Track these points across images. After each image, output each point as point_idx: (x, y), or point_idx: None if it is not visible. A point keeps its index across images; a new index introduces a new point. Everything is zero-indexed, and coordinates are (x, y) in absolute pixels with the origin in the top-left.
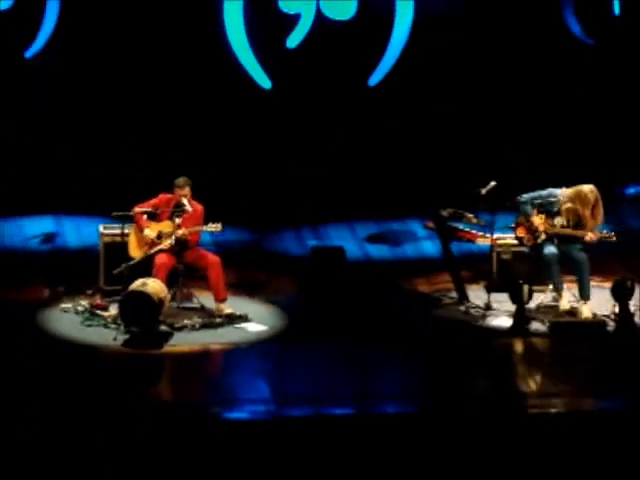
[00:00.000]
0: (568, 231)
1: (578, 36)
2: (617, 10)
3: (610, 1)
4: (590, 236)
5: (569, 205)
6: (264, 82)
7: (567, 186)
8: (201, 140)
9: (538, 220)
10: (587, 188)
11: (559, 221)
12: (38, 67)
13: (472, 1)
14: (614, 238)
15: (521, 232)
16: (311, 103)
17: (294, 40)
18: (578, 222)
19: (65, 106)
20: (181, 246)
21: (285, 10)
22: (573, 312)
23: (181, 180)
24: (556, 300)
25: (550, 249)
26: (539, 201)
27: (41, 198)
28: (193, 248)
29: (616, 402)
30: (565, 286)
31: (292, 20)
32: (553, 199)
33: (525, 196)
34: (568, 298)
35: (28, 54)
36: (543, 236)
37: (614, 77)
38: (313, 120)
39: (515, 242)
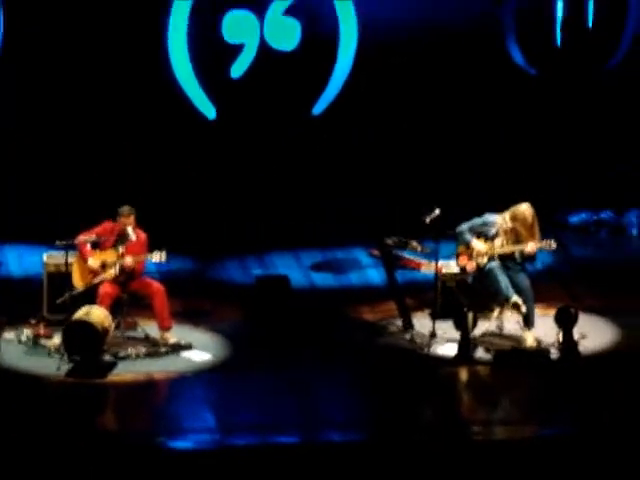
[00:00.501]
0: (509, 248)
1: (521, 65)
2: (558, 41)
3: (552, 32)
4: (531, 247)
5: (508, 226)
6: (208, 111)
7: (500, 210)
8: (145, 168)
9: (478, 244)
10: (523, 207)
11: (498, 242)
12: None
13: (415, 29)
14: (554, 245)
15: (463, 260)
16: (255, 132)
17: (238, 70)
18: (516, 242)
19: (5, 133)
20: (125, 275)
21: (229, 40)
22: (517, 340)
23: (125, 209)
24: (500, 328)
25: (493, 263)
26: (478, 228)
27: None
28: (137, 277)
29: (559, 429)
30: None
31: (236, 50)
32: (490, 224)
33: (463, 225)
34: (511, 327)
35: None
36: (485, 259)
37: (556, 106)
38: (258, 149)
39: (458, 269)
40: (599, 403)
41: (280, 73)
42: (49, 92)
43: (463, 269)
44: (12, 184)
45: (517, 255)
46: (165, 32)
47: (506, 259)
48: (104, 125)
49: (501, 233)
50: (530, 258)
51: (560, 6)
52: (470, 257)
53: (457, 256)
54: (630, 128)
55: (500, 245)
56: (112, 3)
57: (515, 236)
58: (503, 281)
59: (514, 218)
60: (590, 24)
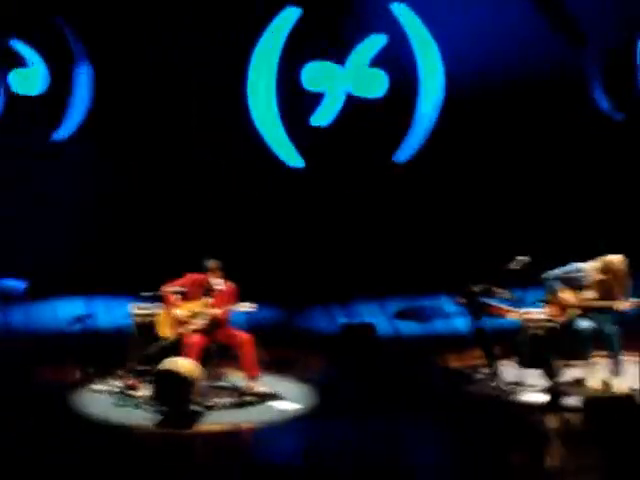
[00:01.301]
0: (599, 303)
1: (606, 111)
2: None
3: (636, 77)
4: (622, 305)
5: (600, 277)
6: (295, 160)
7: (587, 259)
8: (232, 218)
9: (567, 295)
10: (617, 259)
11: (588, 294)
12: (66, 150)
13: (499, 77)
14: None
15: (551, 309)
16: (341, 180)
17: (323, 118)
18: (607, 294)
19: (93, 187)
20: (213, 325)
21: (313, 88)
22: (606, 387)
23: (211, 263)
24: (588, 376)
25: (585, 323)
26: (566, 276)
27: (72, 279)
28: (224, 327)
29: None
30: (597, 361)
31: (318, 98)
32: (580, 274)
33: (551, 273)
34: (600, 375)
35: (57, 137)
36: (573, 311)
37: None
38: (343, 197)
39: (546, 317)
40: None
41: (365, 121)
42: (138, 146)
43: (551, 317)
44: (99, 237)
45: (608, 308)
46: (245, 83)
47: (594, 310)
48: (192, 177)
49: (593, 285)
50: (620, 314)
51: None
52: (559, 307)
53: (545, 304)
54: None
55: (590, 298)
56: (196, 53)
57: (605, 288)
58: (589, 348)
59: (606, 270)
60: None
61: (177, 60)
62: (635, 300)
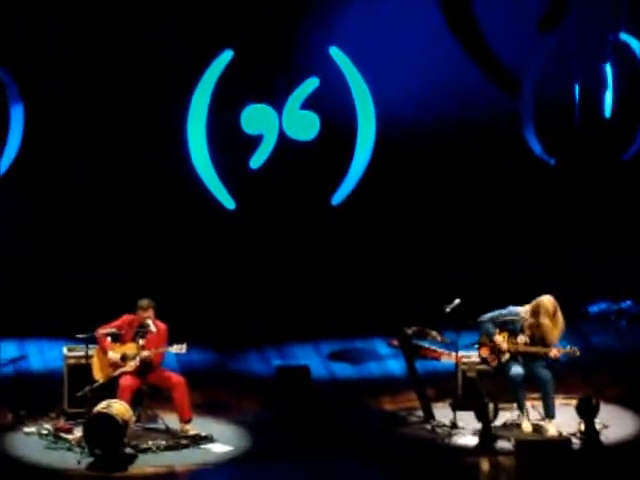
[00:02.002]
0: (532, 349)
1: (539, 156)
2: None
3: (570, 122)
4: (554, 352)
5: (531, 320)
6: (228, 202)
7: (524, 303)
8: (164, 259)
9: (501, 339)
10: (545, 298)
11: (522, 339)
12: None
13: (434, 121)
14: (577, 353)
15: (485, 352)
16: (276, 222)
17: (257, 161)
18: (542, 338)
19: (28, 225)
20: (145, 367)
21: (248, 131)
22: (539, 430)
23: (144, 302)
24: (520, 421)
25: (515, 370)
26: (500, 320)
27: (4, 321)
28: (157, 369)
29: None
30: (529, 405)
31: (255, 141)
32: (515, 317)
33: (486, 316)
34: (531, 419)
35: None
36: (507, 355)
37: (575, 195)
38: (277, 240)
39: (479, 360)
40: None
41: (299, 163)
42: (70, 183)
43: (484, 360)
44: (31, 279)
45: (541, 354)
46: (184, 123)
47: (528, 355)
48: (123, 217)
49: (526, 328)
50: (554, 360)
51: (577, 97)
52: (492, 351)
53: (479, 346)
54: None
55: (523, 343)
56: (132, 96)
57: (540, 332)
58: (521, 396)
59: (536, 311)
60: (607, 115)
61: (114, 102)
62: (567, 348)
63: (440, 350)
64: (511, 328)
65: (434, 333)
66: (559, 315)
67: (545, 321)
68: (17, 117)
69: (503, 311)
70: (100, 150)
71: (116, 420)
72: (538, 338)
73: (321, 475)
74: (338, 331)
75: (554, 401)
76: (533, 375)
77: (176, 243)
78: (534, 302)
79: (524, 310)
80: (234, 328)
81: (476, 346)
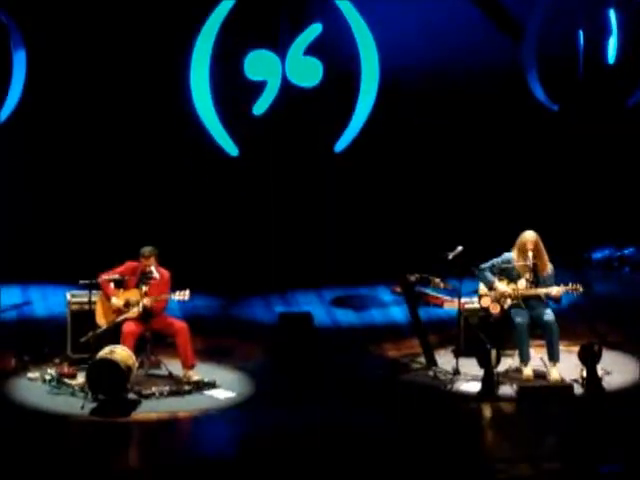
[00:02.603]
0: (534, 291)
1: (543, 102)
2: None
3: (576, 66)
4: (557, 291)
5: (521, 260)
6: (231, 149)
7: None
8: (168, 206)
9: (502, 286)
10: (527, 232)
11: (522, 284)
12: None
13: (437, 67)
14: (580, 289)
15: (486, 302)
16: (278, 170)
17: (260, 107)
18: (536, 277)
19: (30, 172)
20: (148, 314)
21: (251, 77)
22: (541, 376)
23: (147, 249)
24: (521, 367)
25: (520, 317)
26: (497, 268)
27: (7, 267)
28: (160, 315)
29: (584, 465)
30: (532, 352)
31: (258, 87)
32: (509, 264)
33: (483, 265)
34: (533, 366)
35: None
36: (509, 301)
37: (579, 142)
38: (280, 186)
39: (481, 307)
40: (623, 439)
41: (302, 110)
42: (73, 131)
43: (486, 310)
44: (35, 224)
45: (542, 296)
46: (187, 70)
47: (530, 298)
48: (126, 164)
49: (521, 271)
50: (556, 300)
51: (581, 42)
52: (493, 299)
53: (480, 297)
54: None
55: (524, 287)
56: (135, 42)
57: (531, 270)
58: (525, 343)
59: (522, 245)
60: (611, 61)
61: (117, 50)
62: (569, 285)
63: (443, 297)
64: (509, 275)
65: (437, 280)
66: (541, 247)
67: (535, 257)
68: (20, 64)
69: (498, 259)
70: (103, 98)
71: (119, 366)
72: (532, 277)
73: (323, 421)
74: (341, 278)
75: (558, 346)
76: (537, 319)
77: (180, 190)
78: (517, 241)
79: (514, 254)
80: (237, 275)
81: (477, 294)
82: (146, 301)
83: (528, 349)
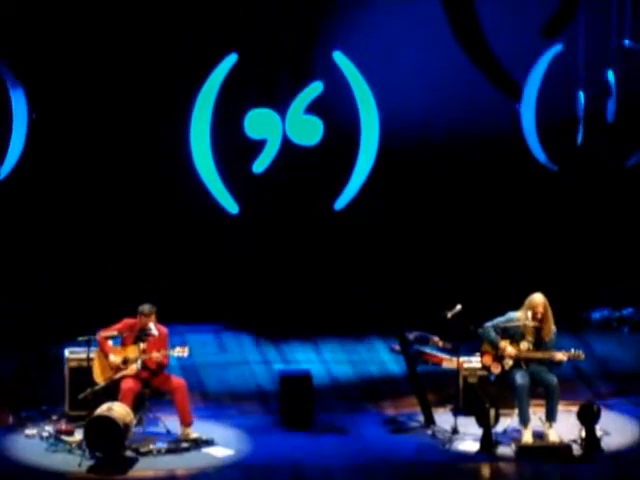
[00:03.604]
0: (537, 354)
1: (543, 163)
2: (580, 139)
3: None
4: (560, 356)
5: (528, 321)
6: (231, 207)
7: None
8: (166, 264)
9: (504, 345)
10: (536, 295)
11: (525, 345)
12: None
13: (437, 127)
14: (582, 357)
15: (487, 360)
16: (277, 227)
17: (261, 165)
18: (540, 339)
19: (33, 229)
20: (147, 371)
21: (251, 135)
22: (539, 437)
23: (147, 307)
24: (520, 430)
25: (521, 379)
26: (501, 327)
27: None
28: (159, 372)
29: None
30: (531, 413)
31: (258, 145)
32: (513, 323)
33: (487, 324)
34: (532, 429)
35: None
36: (510, 362)
37: (578, 202)
38: (279, 243)
39: (481, 366)
40: None
41: (302, 168)
42: (73, 189)
43: (487, 368)
44: (34, 281)
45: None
46: (188, 127)
47: (532, 361)
48: (126, 221)
49: (525, 332)
50: (557, 364)
51: (582, 103)
52: (495, 358)
53: (481, 354)
54: None
55: (526, 349)
56: (136, 99)
57: (537, 333)
58: (525, 404)
59: (530, 307)
60: (610, 121)
61: (117, 105)
62: (572, 352)
63: (441, 355)
64: (512, 335)
65: (435, 338)
66: (548, 310)
67: (541, 320)
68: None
69: (502, 318)
70: (103, 153)
71: (117, 423)
72: (535, 340)
73: (319, 478)
74: (340, 335)
75: (557, 407)
76: (539, 380)
77: (179, 247)
78: (526, 302)
79: (520, 314)
80: (234, 331)
81: (479, 353)
82: (145, 358)
83: (528, 410)
